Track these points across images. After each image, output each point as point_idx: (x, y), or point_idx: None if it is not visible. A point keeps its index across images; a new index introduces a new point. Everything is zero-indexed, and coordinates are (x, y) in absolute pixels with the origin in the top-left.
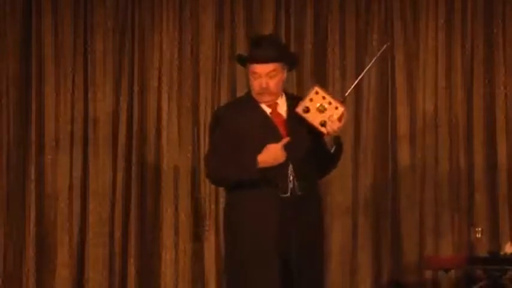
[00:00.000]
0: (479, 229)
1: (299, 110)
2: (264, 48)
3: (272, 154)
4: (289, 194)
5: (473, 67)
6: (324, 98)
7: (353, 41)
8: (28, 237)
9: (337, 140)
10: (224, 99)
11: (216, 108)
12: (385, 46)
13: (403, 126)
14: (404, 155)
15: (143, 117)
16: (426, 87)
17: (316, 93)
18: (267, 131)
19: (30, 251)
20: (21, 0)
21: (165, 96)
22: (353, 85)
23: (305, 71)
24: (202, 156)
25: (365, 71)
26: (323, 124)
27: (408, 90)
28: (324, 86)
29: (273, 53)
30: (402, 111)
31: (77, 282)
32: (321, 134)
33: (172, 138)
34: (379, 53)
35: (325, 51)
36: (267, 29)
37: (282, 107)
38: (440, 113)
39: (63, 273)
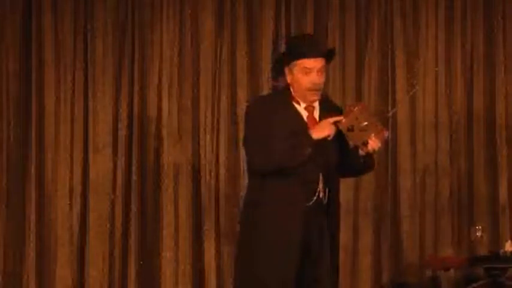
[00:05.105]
0: (480, 227)
1: (343, 127)
2: (316, 43)
3: (322, 124)
4: (314, 201)
5: (473, 65)
6: (368, 118)
7: (353, 40)
8: (28, 237)
9: (371, 155)
10: (224, 98)
11: (252, 99)
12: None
13: (403, 126)
14: (404, 154)
15: (143, 116)
16: (426, 86)
17: (362, 112)
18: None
19: (30, 251)
20: None
21: (165, 94)
22: (394, 109)
23: None
24: (202, 155)
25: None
26: (365, 143)
27: (408, 89)
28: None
29: (324, 48)
30: (402, 110)
31: (77, 282)
32: (355, 148)
33: (172, 136)
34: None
35: None
36: (268, 28)
37: (316, 111)
38: (440, 112)
39: (63, 273)
